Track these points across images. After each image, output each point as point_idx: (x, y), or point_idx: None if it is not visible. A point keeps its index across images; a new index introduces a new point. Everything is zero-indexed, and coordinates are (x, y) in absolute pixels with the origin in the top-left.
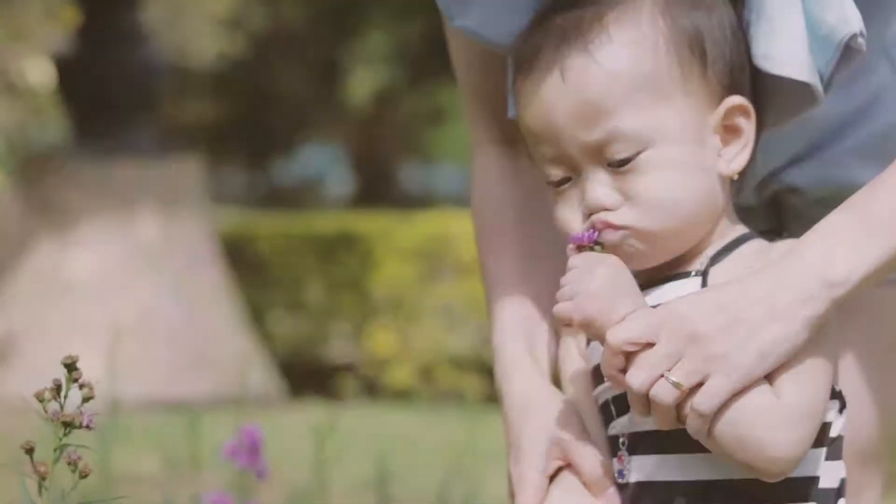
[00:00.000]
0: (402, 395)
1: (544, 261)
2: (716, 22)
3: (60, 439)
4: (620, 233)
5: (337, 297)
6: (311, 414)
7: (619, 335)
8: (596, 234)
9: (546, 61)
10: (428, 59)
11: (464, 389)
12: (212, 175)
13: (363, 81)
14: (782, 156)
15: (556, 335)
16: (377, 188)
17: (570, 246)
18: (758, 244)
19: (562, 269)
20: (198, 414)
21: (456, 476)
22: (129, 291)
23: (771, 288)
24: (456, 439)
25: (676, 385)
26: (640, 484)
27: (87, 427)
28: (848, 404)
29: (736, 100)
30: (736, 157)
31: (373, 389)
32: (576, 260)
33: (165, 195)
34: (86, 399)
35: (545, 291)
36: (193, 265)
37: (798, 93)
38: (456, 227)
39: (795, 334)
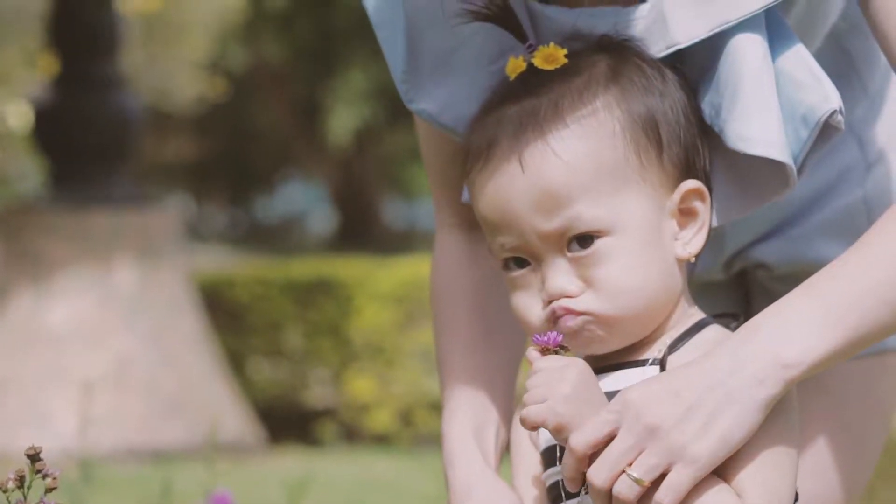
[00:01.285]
0: (381, 440)
1: (497, 347)
2: (668, 105)
3: None
4: (581, 318)
5: (316, 342)
6: (289, 461)
7: (581, 439)
8: (560, 337)
9: (503, 151)
10: None
11: None
12: (194, 214)
13: (343, 119)
14: (750, 233)
15: (506, 421)
16: (359, 224)
17: (534, 347)
18: (716, 332)
19: (514, 355)
20: (172, 467)
21: None
22: (107, 340)
23: (726, 370)
24: (435, 483)
25: (637, 481)
26: None
27: None
28: (813, 483)
29: (692, 184)
30: (692, 239)
31: (352, 434)
32: (542, 363)
33: (143, 244)
34: (48, 490)
35: (497, 377)
36: (171, 313)
37: (772, 176)
38: None
39: (752, 417)
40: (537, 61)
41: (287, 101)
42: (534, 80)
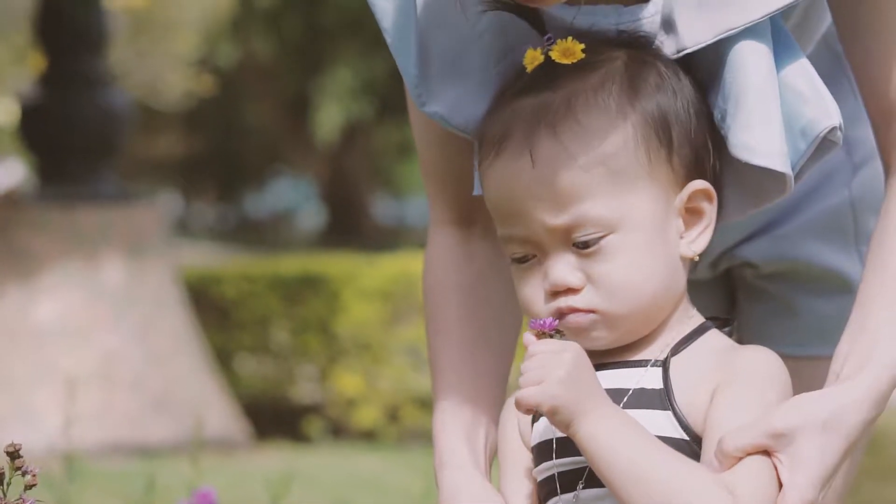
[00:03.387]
0: (368, 436)
1: (489, 346)
2: (682, 105)
3: None
4: (589, 316)
5: (303, 338)
6: (275, 457)
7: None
8: (557, 322)
9: (516, 145)
10: (396, 92)
11: (429, 429)
12: (182, 210)
13: (332, 115)
14: (737, 233)
15: (497, 420)
16: (348, 220)
17: (530, 332)
18: (717, 339)
19: (507, 355)
20: (157, 463)
21: None
22: (93, 336)
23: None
24: (421, 480)
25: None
26: None
27: None
28: None
29: (699, 184)
30: (697, 238)
31: (339, 430)
32: (538, 346)
33: (130, 240)
34: (28, 487)
35: (488, 377)
36: (158, 309)
37: (769, 183)
38: (421, 267)
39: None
40: (555, 55)
41: (275, 97)
42: (550, 74)
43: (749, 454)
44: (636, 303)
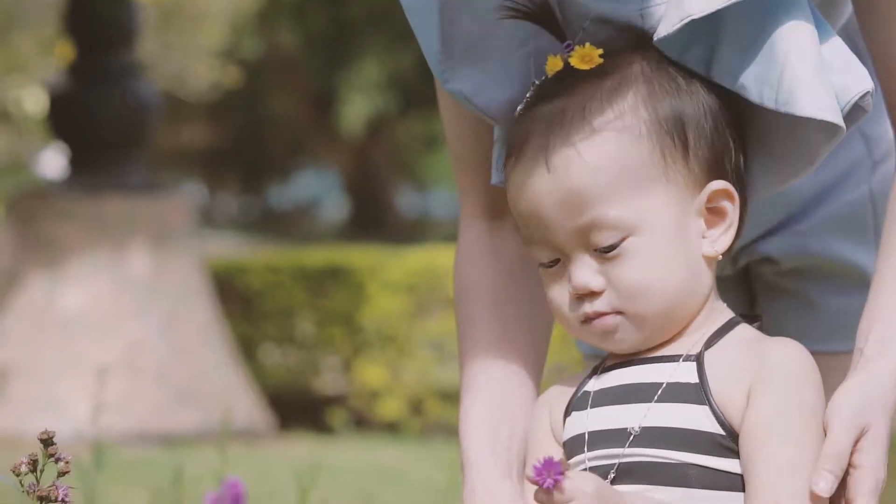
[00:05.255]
0: (391, 428)
1: (518, 342)
2: (697, 108)
3: None
4: (616, 318)
5: (327, 330)
6: (299, 448)
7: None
8: (554, 482)
9: (533, 151)
10: (422, 86)
11: (452, 422)
12: (207, 201)
13: (357, 108)
14: (758, 228)
15: (524, 418)
16: (372, 213)
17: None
18: (747, 332)
19: (537, 350)
20: (183, 453)
21: None
22: (119, 326)
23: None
24: (444, 472)
25: None
26: None
27: (63, 502)
28: None
29: (719, 184)
30: (720, 238)
31: (362, 422)
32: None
33: (156, 230)
34: (61, 474)
35: (515, 374)
36: (183, 299)
37: (803, 151)
38: (446, 261)
39: None
40: (574, 61)
41: (301, 89)
42: (567, 80)
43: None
44: (658, 304)
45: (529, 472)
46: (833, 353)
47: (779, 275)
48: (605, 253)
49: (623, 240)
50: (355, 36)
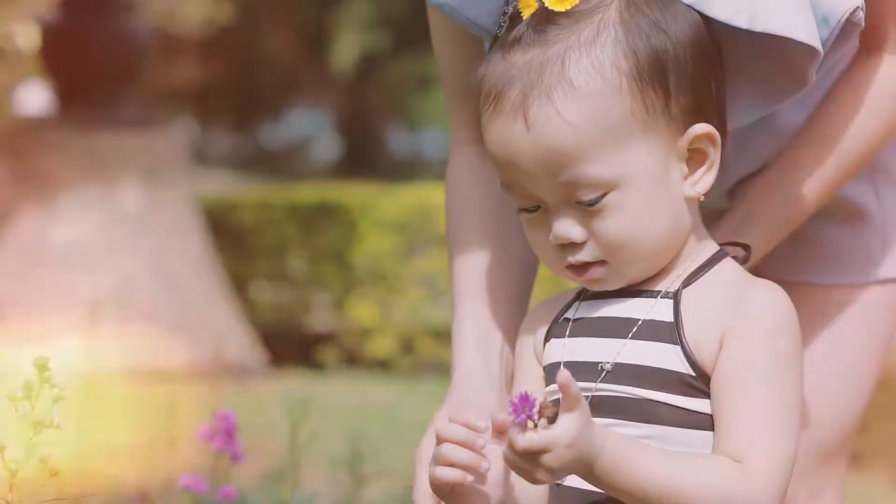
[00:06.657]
0: (382, 366)
1: (508, 262)
2: (677, 47)
3: (32, 438)
4: (601, 268)
5: (319, 267)
6: (290, 384)
7: None
8: (536, 407)
9: (510, 106)
10: (414, 24)
11: (443, 360)
12: (199, 138)
13: (349, 46)
14: (751, 163)
15: (512, 336)
16: (364, 152)
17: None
18: (730, 270)
19: (527, 269)
20: (174, 388)
21: None
22: (111, 261)
23: None
24: (434, 410)
25: None
26: (575, 489)
27: (58, 427)
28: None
29: (701, 128)
30: (702, 178)
31: (353, 359)
32: (523, 443)
33: (148, 166)
34: (56, 400)
35: (506, 292)
36: (175, 235)
37: (788, 72)
38: (438, 199)
39: None
40: (549, 1)
41: (293, 27)
42: (543, 24)
43: None
44: (641, 253)
45: (509, 404)
46: (826, 286)
47: None
48: (587, 207)
49: (605, 194)
50: None
